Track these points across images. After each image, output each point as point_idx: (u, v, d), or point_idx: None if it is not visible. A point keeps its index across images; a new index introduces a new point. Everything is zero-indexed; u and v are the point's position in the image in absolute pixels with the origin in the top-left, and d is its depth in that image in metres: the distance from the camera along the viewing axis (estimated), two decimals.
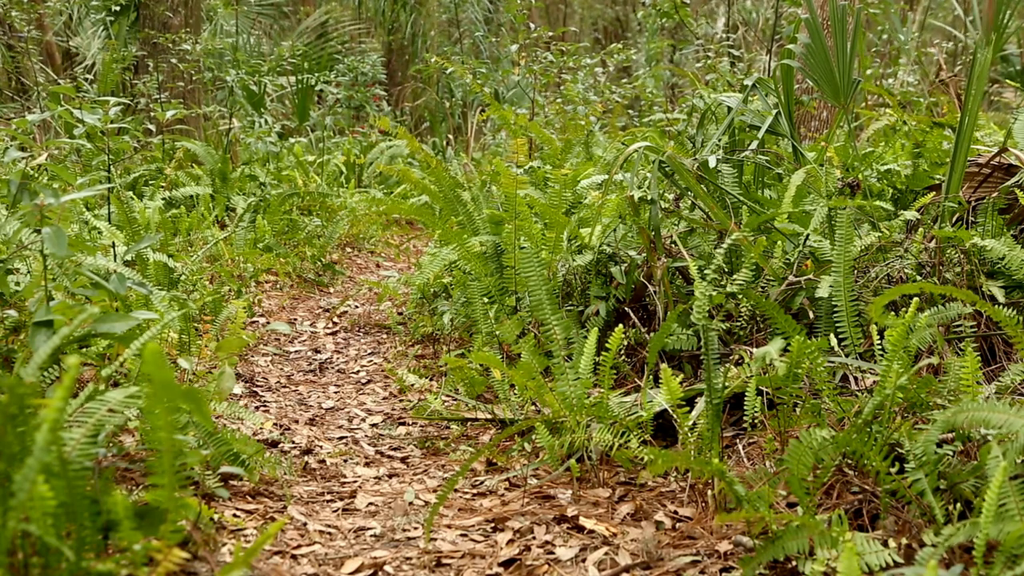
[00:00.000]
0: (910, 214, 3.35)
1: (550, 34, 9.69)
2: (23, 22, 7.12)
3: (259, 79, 8.70)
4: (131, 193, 5.83)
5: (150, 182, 6.50)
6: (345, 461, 2.96)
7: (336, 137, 10.13)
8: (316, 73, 8.99)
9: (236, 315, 3.63)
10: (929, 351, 2.69)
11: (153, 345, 1.65)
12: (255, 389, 3.71)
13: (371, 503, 2.61)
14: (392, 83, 13.05)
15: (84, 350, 2.60)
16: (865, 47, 7.80)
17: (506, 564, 2.19)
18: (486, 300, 3.73)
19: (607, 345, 2.75)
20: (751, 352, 2.82)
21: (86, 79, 9.14)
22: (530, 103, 8.69)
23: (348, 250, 6.84)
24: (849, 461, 2.25)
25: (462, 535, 2.36)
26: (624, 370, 3.21)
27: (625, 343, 3.19)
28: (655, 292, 3.33)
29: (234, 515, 2.39)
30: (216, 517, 2.29)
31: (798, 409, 2.48)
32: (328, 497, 2.64)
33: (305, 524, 2.42)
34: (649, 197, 3.36)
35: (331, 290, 5.72)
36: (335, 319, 4.95)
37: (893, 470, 2.02)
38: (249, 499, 2.52)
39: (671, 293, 3.29)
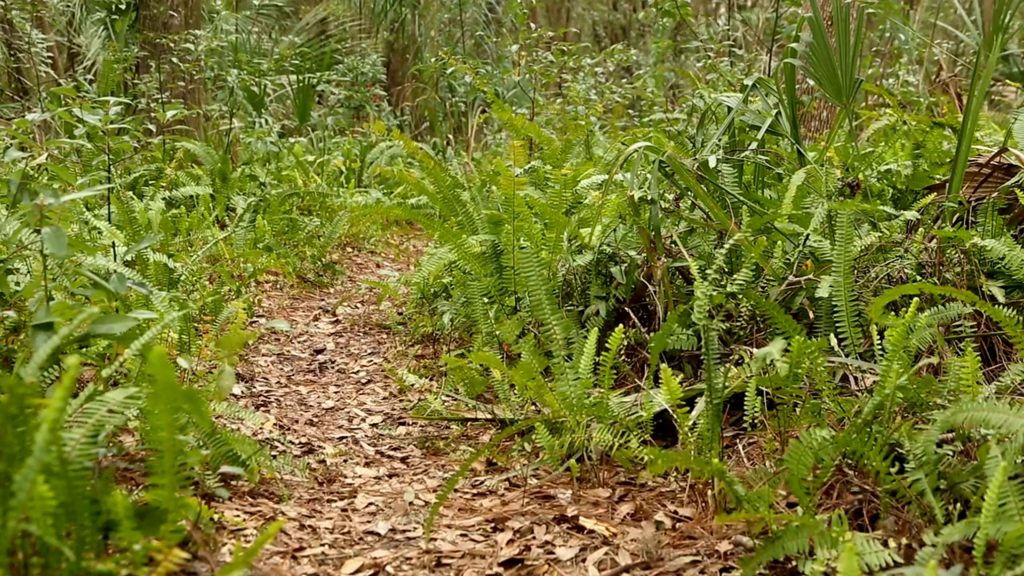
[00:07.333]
0: (910, 214, 3.35)
1: (551, 34, 9.69)
2: (23, 21, 7.12)
3: (259, 79, 8.71)
4: (131, 193, 5.83)
5: (150, 182, 6.50)
6: (345, 461, 2.96)
7: (336, 137, 10.13)
8: (317, 73, 8.99)
9: (236, 315, 3.62)
10: (929, 351, 2.69)
11: (159, 348, 1.65)
12: (255, 389, 3.71)
13: (371, 503, 2.61)
14: (392, 83, 13.05)
15: (84, 350, 2.60)
16: (866, 46, 7.80)
17: (506, 564, 2.19)
18: (486, 300, 3.73)
19: (607, 345, 2.75)
20: (751, 352, 2.82)
21: (87, 79, 9.14)
22: (530, 103, 8.69)
23: (348, 250, 6.84)
24: (849, 461, 2.25)
25: (462, 535, 2.36)
26: (624, 370, 3.20)
27: (625, 343, 3.19)
28: (655, 292, 3.33)
29: (234, 515, 2.39)
30: (216, 517, 2.29)
31: (798, 409, 2.48)
32: (328, 497, 2.64)
33: (305, 524, 2.42)
34: (649, 197, 3.36)
35: (331, 290, 5.72)
36: (335, 319, 4.95)
37: (893, 470, 2.02)
38: (249, 499, 2.52)
39: (671, 293, 3.28)
